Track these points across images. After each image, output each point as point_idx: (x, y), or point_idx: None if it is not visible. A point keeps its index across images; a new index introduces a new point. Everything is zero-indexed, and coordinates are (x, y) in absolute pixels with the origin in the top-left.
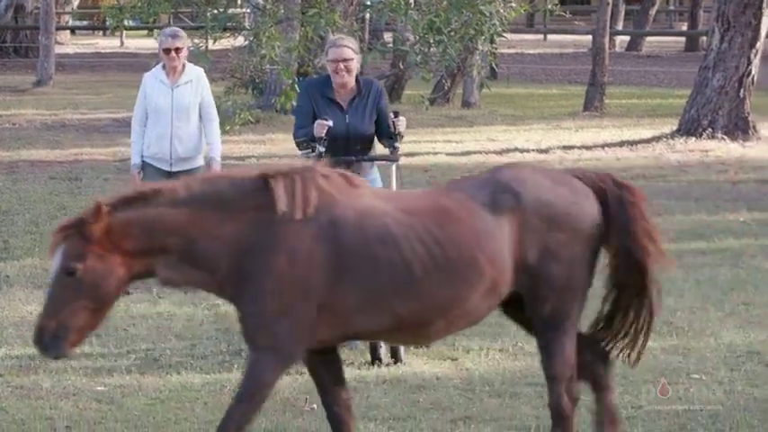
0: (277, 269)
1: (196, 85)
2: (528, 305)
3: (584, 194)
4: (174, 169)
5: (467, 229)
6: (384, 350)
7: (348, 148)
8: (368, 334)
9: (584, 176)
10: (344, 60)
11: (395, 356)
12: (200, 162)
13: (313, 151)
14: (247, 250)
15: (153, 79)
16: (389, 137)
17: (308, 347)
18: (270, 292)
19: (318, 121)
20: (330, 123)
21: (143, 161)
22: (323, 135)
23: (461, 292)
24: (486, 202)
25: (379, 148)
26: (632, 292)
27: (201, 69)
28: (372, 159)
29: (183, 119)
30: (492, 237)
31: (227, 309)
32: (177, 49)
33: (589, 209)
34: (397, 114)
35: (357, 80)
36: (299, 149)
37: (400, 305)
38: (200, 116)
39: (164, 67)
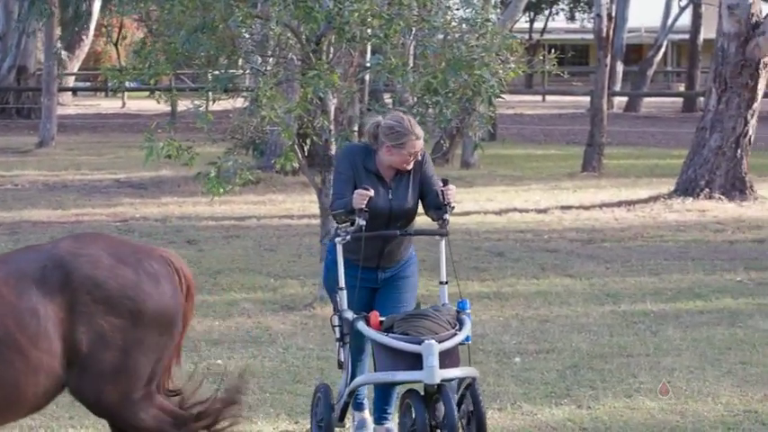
0: None
1: None
2: (81, 393)
3: (152, 276)
4: None
5: (5, 305)
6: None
7: (389, 225)
8: None
9: (169, 260)
10: (417, 153)
11: None
12: None
13: (352, 224)
14: None
15: None
16: (437, 207)
17: None
18: None
19: (358, 191)
20: (371, 193)
21: None
22: (363, 206)
23: (1, 375)
24: (36, 277)
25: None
26: None
27: None
28: (419, 234)
29: None
30: (36, 315)
31: None
32: None
33: (153, 291)
34: (446, 183)
35: None
36: (336, 222)
37: None
38: None
39: None
